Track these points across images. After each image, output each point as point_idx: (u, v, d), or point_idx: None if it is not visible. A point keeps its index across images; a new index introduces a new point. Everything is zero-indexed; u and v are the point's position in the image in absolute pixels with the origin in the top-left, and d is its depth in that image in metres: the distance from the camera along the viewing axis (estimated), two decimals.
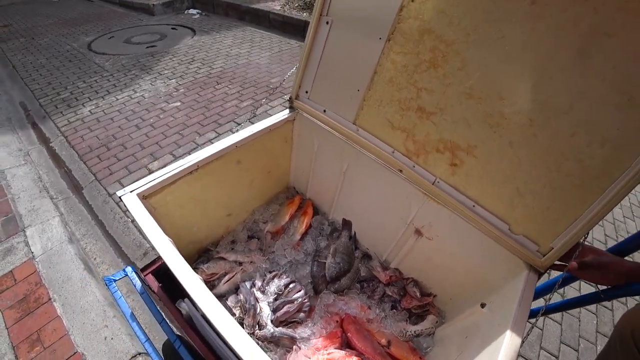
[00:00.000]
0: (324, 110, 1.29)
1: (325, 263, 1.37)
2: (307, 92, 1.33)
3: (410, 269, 1.40)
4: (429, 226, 1.20)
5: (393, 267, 1.44)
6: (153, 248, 0.90)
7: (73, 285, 1.83)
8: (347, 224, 1.51)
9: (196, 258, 1.40)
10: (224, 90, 3.88)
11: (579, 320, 1.93)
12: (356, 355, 1.14)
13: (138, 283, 1.12)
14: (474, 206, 1.04)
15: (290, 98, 1.38)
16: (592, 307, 1.99)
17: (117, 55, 4.78)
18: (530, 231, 0.97)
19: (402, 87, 1.04)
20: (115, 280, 1.12)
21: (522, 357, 1.71)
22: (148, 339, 1.00)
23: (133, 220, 2.26)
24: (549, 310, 1.10)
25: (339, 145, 1.30)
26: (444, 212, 1.11)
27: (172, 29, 5.83)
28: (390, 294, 1.37)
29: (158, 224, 0.93)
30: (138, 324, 1.03)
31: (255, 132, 1.29)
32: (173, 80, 4.16)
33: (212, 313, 0.74)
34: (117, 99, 3.74)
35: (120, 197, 1.01)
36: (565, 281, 1.02)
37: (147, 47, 5.04)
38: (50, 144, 3.11)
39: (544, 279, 1.02)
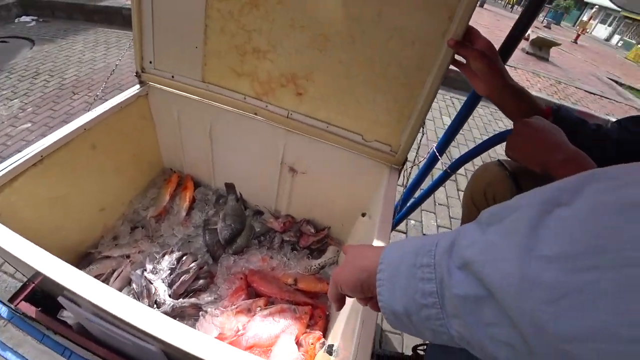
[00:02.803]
0: (172, 76, 1.25)
1: (216, 229, 1.37)
2: (150, 62, 1.27)
3: (300, 211, 1.48)
4: (299, 160, 1.28)
5: (284, 214, 1.52)
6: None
7: None
8: (230, 187, 1.52)
9: (76, 265, 1.27)
10: (84, 99, 3.45)
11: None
12: (263, 300, 1.19)
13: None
14: (327, 127, 1.14)
15: (136, 73, 1.31)
16: None
17: None
18: (380, 135, 1.10)
19: (234, 33, 1.06)
20: None
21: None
22: None
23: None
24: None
25: (196, 107, 1.28)
26: (305, 141, 1.19)
27: (1, 42, 4.90)
28: (287, 239, 1.43)
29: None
30: None
31: (104, 112, 1.17)
32: (16, 100, 3.53)
33: (101, 297, 0.66)
34: None
35: None
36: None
37: None
38: None
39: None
